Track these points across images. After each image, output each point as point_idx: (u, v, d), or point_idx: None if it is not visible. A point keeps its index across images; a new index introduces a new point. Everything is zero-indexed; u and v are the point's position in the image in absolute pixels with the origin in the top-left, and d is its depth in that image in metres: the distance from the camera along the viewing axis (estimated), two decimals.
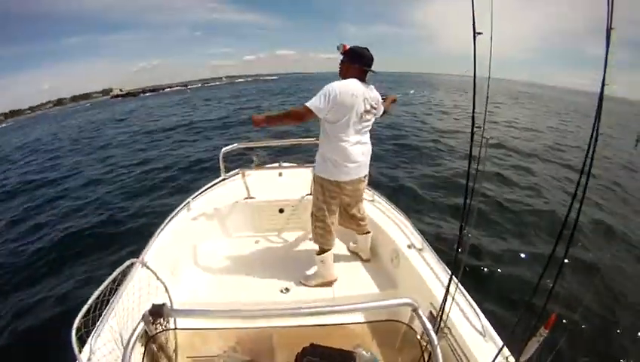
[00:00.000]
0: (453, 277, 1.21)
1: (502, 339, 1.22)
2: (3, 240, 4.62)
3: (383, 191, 2.68)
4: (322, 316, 1.16)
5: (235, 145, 2.69)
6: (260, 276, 2.17)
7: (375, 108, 1.85)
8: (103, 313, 1.30)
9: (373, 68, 1.81)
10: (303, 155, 4.05)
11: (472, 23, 0.83)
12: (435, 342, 1.04)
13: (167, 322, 1.21)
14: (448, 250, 2.49)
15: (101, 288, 1.21)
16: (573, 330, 2.27)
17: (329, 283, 2.07)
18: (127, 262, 1.44)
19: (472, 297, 1.43)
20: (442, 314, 1.11)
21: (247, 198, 2.66)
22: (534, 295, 0.89)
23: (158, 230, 2.08)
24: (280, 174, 2.97)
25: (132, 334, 1.11)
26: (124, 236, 4.17)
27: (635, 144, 4.97)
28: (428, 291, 1.55)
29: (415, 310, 1.09)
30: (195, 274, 2.22)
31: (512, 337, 1.06)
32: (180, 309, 1.13)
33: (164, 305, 1.09)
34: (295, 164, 2.99)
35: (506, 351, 1.11)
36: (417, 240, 1.90)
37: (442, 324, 1.13)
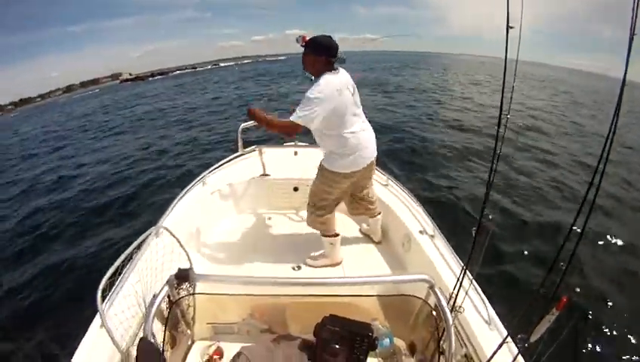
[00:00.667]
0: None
1: (510, 322, 1.24)
2: (42, 207, 5.22)
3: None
4: (335, 287, 1.19)
5: (254, 122, 2.70)
6: (272, 253, 2.21)
7: (354, 89, 1.80)
8: (126, 276, 1.36)
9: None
10: None
11: (505, 17, 0.84)
12: (450, 321, 1.06)
13: (191, 287, 1.26)
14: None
15: (127, 252, 1.26)
16: (586, 311, 2.29)
17: (334, 265, 2.09)
18: (152, 229, 1.49)
19: (486, 271, 1.40)
20: (458, 292, 1.13)
21: (262, 175, 2.69)
22: (549, 274, 0.89)
23: (173, 202, 2.11)
24: (295, 153, 2.98)
25: (157, 296, 1.16)
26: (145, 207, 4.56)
27: None
28: (438, 277, 1.53)
29: (432, 287, 1.12)
30: (207, 248, 2.27)
31: (521, 320, 1.07)
32: (204, 274, 1.17)
33: (190, 268, 1.14)
34: (311, 144, 3.00)
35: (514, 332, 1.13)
36: (429, 226, 1.90)
37: (457, 302, 1.15)
